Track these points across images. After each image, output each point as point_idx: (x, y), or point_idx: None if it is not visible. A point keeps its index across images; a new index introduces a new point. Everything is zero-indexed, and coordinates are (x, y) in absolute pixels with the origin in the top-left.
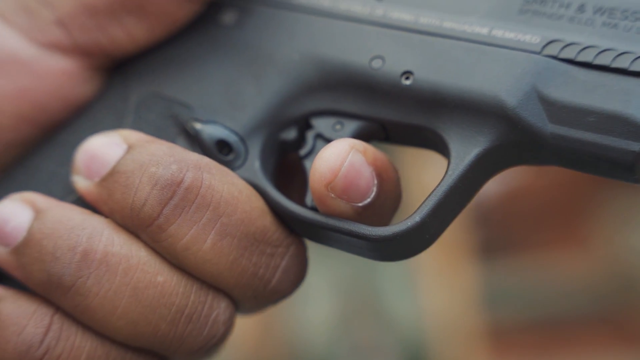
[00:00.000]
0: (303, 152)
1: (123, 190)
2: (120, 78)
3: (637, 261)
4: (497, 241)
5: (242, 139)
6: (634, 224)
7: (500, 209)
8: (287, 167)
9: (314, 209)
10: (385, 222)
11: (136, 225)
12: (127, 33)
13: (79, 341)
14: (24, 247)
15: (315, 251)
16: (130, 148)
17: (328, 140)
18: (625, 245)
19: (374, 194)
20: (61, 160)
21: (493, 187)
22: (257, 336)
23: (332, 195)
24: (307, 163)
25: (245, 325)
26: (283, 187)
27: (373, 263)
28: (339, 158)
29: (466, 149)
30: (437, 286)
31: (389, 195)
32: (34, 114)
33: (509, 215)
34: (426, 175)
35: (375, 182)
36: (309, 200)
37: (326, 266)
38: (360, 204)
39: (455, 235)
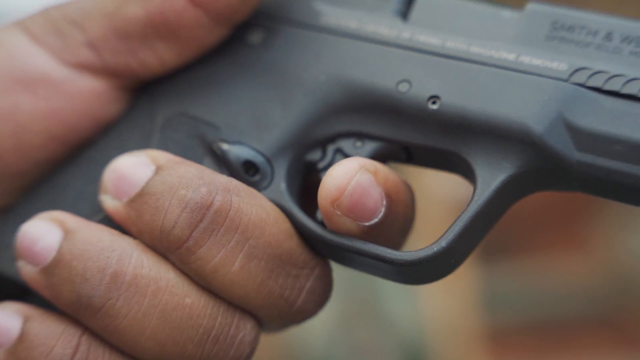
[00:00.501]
0: (321, 165)
1: (152, 212)
2: (147, 97)
3: (636, 264)
4: (497, 243)
5: (269, 160)
6: (633, 227)
7: None
8: (312, 185)
9: (322, 224)
10: (395, 243)
11: (165, 247)
12: (157, 57)
13: (105, 357)
14: (54, 267)
15: None
16: (159, 169)
17: (346, 156)
18: (624, 248)
19: (382, 214)
20: (88, 178)
21: None
22: None
23: (338, 212)
24: (322, 176)
25: None
26: (307, 207)
27: None
28: (347, 176)
29: (492, 174)
30: (437, 288)
31: (398, 217)
32: (63, 133)
33: (508, 218)
34: (427, 178)
35: (385, 202)
36: (318, 215)
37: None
38: (367, 224)
39: None
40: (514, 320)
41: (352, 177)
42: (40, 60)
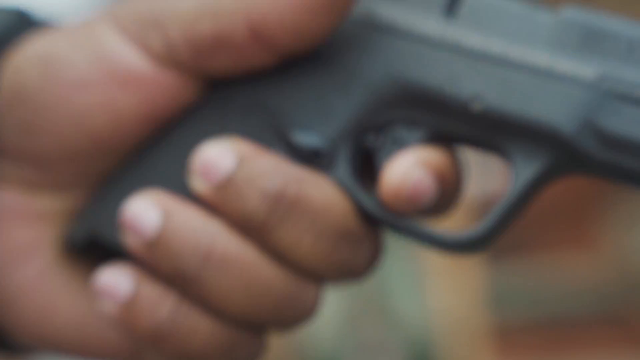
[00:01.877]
0: (378, 152)
1: (236, 198)
2: (223, 87)
3: None
4: (505, 241)
5: (334, 145)
6: None
7: None
8: (369, 169)
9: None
10: (446, 212)
11: (247, 229)
12: (222, 66)
13: (198, 319)
14: (155, 244)
15: None
16: (241, 160)
17: (398, 139)
18: (633, 247)
19: (436, 197)
20: (173, 158)
21: (501, 186)
22: None
23: (398, 203)
24: (379, 154)
25: None
26: (364, 181)
27: (381, 262)
28: (404, 176)
29: (528, 165)
30: (444, 285)
31: (450, 194)
32: (154, 118)
33: None
34: None
35: (438, 187)
36: (377, 195)
37: None
38: (423, 207)
39: None
40: (521, 318)
41: (409, 175)
42: (130, 55)
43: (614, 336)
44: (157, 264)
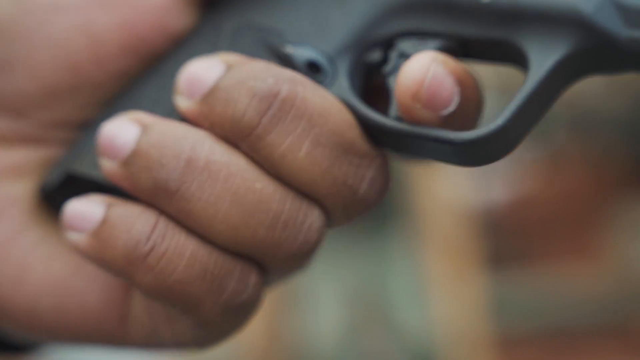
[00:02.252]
0: (387, 69)
1: (224, 104)
2: (212, 10)
3: None
4: (507, 250)
5: (331, 60)
6: None
7: (510, 218)
8: (372, 90)
9: (397, 120)
10: (470, 128)
11: (236, 135)
12: None
13: (183, 240)
14: (133, 157)
15: (324, 260)
16: (229, 67)
17: (407, 55)
18: (635, 256)
19: (457, 101)
20: (162, 87)
21: (502, 195)
22: (266, 343)
23: (418, 106)
24: (390, 80)
25: (253, 332)
26: (370, 106)
27: (382, 271)
28: (422, 70)
29: (545, 57)
30: (446, 295)
31: (471, 102)
32: (136, 45)
33: (518, 225)
34: (437, 185)
35: (457, 90)
36: (392, 112)
37: (335, 274)
38: (444, 112)
39: (464, 243)
40: (523, 328)
41: (427, 69)
42: None
43: (617, 346)
44: (136, 180)
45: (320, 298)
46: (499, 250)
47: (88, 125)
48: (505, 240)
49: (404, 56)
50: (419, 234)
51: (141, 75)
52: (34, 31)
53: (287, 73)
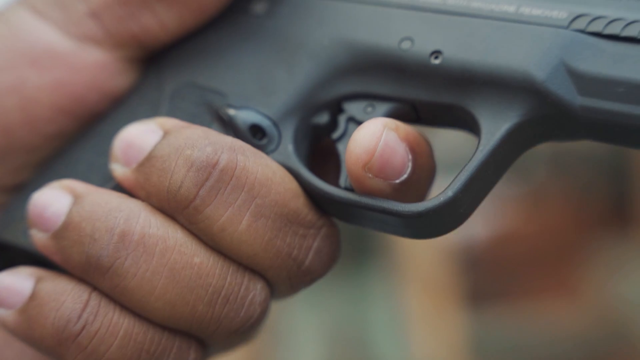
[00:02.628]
0: (336, 135)
1: (159, 173)
2: (154, 69)
3: (626, 310)
4: (486, 287)
5: (275, 124)
6: (624, 273)
7: (490, 255)
8: (320, 152)
9: (348, 189)
10: (422, 197)
11: (173, 207)
12: (159, 21)
13: (116, 318)
14: (63, 230)
15: (304, 297)
16: (166, 133)
17: (360, 123)
18: (614, 294)
19: (409, 169)
20: (99, 150)
21: (482, 231)
22: None
23: (370, 175)
24: (340, 146)
25: None
26: (316, 170)
27: (361, 308)
28: (374, 138)
29: (496, 124)
30: (426, 332)
31: (424, 169)
32: (71, 106)
33: (498, 261)
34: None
35: (410, 157)
36: (342, 181)
37: (315, 311)
38: (397, 181)
39: (444, 281)
40: None
41: (379, 137)
42: (44, 34)
43: None
44: (67, 255)
45: (300, 335)
46: (479, 287)
47: (22, 189)
48: (484, 277)
49: (354, 121)
50: (398, 271)
51: (77, 137)
52: None
53: (227, 140)
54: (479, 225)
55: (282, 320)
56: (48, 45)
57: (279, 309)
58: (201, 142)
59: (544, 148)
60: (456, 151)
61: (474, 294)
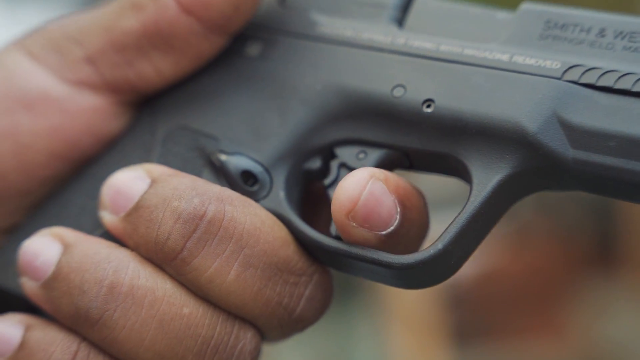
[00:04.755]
0: (327, 181)
1: (147, 224)
2: (148, 112)
3: (611, 349)
4: (472, 326)
5: (267, 170)
6: (610, 313)
7: (475, 293)
8: (313, 197)
9: (338, 238)
10: (412, 250)
11: (161, 258)
12: (154, 67)
13: None
14: (53, 281)
15: None
16: (153, 182)
17: (351, 169)
18: (600, 334)
19: (397, 222)
20: (90, 194)
21: (468, 269)
22: None
23: (354, 224)
24: (330, 192)
25: None
26: (309, 216)
27: (347, 346)
28: (358, 187)
29: (488, 175)
30: None
31: (414, 223)
32: (65, 151)
33: (483, 300)
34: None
35: (399, 209)
36: (333, 229)
37: (299, 349)
38: (383, 232)
39: (429, 318)
40: None
41: (363, 186)
42: (39, 79)
43: None
44: (57, 305)
45: None
46: (464, 325)
47: (15, 232)
48: (470, 316)
49: (346, 167)
50: (384, 308)
51: (71, 180)
52: None
53: (215, 190)
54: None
55: (267, 356)
56: (43, 90)
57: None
58: (188, 192)
59: None
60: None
61: (459, 332)
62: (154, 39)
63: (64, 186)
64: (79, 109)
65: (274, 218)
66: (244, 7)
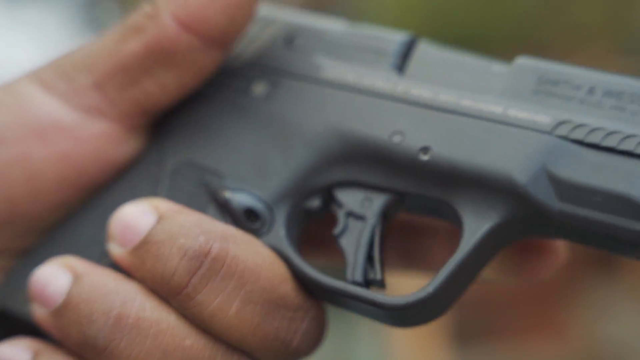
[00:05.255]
0: (337, 231)
1: (154, 260)
2: (156, 144)
3: (612, 350)
4: (472, 327)
5: (269, 207)
6: (611, 313)
7: (476, 294)
8: (313, 234)
9: (356, 283)
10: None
11: (166, 292)
12: (159, 85)
13: None
14: (63, 310)
15: None
16: (161, 218)
17: (359, 217)
18: (601, 334)
19: None
20: (99, 224)
21: None
22: None
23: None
24: (342, 241)
25: None
26: (308, 251)
27: (347, 347)
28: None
29: (478, 223)
30: None
31: None
32: (75, 177)
33: (484, 300)
34: None
35: None
36: (349, 274)
37: None
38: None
39: None
40: None
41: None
42: (50, 107)
43: None
44: (65, 333)
45: None
46: (465, 326)
47: (25, 255)
48: (471, 316)
49: (353, 216)
50: None
51: (81, 208)
52: None
53: (219, 229)
54: None
55: None
56: (54, 118)
57: None
58: (194, 230)
59: None
60: None
61: (460, 332)
62: (156, 58)
63: (73, 214)
64: (88, 136)
65: (274, 255)
66: (239, 20)
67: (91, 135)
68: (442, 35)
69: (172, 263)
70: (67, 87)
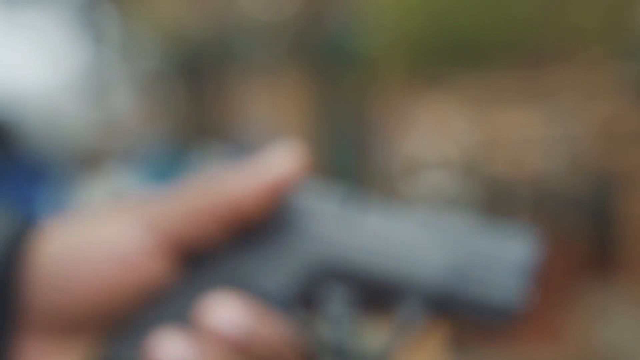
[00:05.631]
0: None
1: None
2: (195, 279)
3: (609, 354)
4: (470, 329)
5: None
6: (608, 317)
7: None
8: None
9: None
10: None
11: None
12: (207, 233)
13: None
14: None
15: None
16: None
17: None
18: (598, 338)
19: None
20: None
21: None
22: None
23: None
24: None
25: None
26: None
27: None
28: None
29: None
30: None
31: None
32: (142, 296)
33: None
34: None
35: None
36: None
37: None
38: None
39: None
40: None
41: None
42: (130, 247)
43: None
44: None
45: None
46: (463, 329)
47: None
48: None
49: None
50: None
51: (115, 329)
52: (83, 282)
53: None
54: None
55: None
56: (131, 255)
57: None
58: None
59: (527, 192)
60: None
61: (457, 336)
62: (231, 221)
63: (109, 335)
64: (150, 270)
65: None
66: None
67: (150, 271)
68: (440, 39)
69: None
70: (148, 234)
